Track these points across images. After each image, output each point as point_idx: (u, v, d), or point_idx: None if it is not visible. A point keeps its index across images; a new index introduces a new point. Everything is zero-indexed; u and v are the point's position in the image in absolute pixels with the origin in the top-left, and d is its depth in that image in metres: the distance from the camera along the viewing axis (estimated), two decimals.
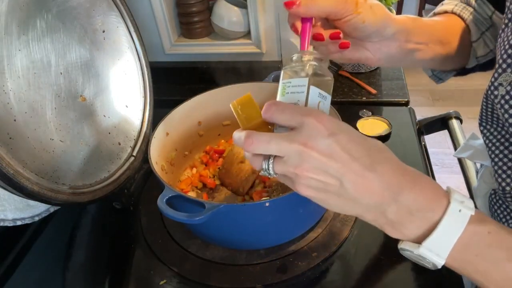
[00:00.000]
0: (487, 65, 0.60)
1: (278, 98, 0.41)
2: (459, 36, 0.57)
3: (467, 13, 0.58)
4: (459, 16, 0.58)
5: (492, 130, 0.52)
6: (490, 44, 0.58)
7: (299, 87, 0.40)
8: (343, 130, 0.36)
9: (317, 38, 0.47)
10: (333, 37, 0.47)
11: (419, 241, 0.37)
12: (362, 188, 0.36)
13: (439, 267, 0.37)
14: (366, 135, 0.39)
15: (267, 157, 0.38)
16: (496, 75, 0.46)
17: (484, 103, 0.51)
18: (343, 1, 0.45)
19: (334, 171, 0.36)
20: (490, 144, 0.52)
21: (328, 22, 0.49)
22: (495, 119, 0.51)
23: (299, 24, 0.46)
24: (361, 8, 0.46)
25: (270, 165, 0.38)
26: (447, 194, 0.38)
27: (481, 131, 0.54)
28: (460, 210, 0.36)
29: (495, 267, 0.37)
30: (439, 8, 0.61)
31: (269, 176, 0.39)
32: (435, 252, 0.36)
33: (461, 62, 0.60)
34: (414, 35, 0.53)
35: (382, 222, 0.38)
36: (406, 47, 0.53)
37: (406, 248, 0.38)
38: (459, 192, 0.38)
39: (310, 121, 0.35)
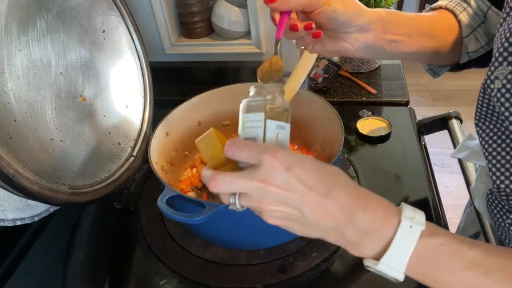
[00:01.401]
0: (482, 62, 0.61)
1: (240, 132, 0.44)
2: (448, 31, 0.59)
3: (460, 9, 0.59)
4: (451, 11, 0.59)
5: (485, 127, 0.53)
6: (481, 40, 0.59)
7: (256, 122, 0.43)
8: (298, 163, 0.39)
9: (292, 28, 0.51)
10: (306, 28, 0.51)
11: (378, 258, 0.39)
12: (320, 214, 0.39)
13: (401, 280, 0.39)
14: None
15: (233, 193, 0.41)
16: (492, 68, 0.46)
17: (480, 98, 0.51)
18: None
19: (293, 202, 0.39)
20: (483, 142, 0.53)
21: (306, 15, 0.53)
22: (489, 115, 0.52)
23: (278, 17, 0.51)
24: (332, 0, 0.50)
25: (237, 200, 0.41)
26: (399, 211, 0.40)
27: (477, 130, 0.54)
28: (411, 227, 0.38)
29: (452, 277, 0.38)
30: (435, 4, 0.63)
31: (237, 210, 0.42)
32: (392, 267, 0.39)
33: (454, 57, 0.61)
34: (392, 26, 0.55)
35: (343, 243, 0.41)
36: (384, 38, 0.55)
37: (368, 265, 0.40)
38: (410, 208, 0.40)
39: (267, 158, 0.38)
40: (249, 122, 0.43)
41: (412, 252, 0.38)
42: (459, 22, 0.58)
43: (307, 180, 0.38)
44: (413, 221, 0.38)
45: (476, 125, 0.54)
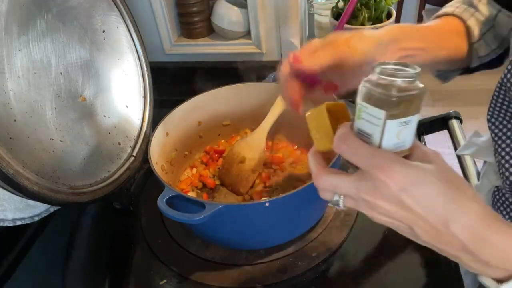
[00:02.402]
0: (492, 63, 0.61)
1: (355, 119, 0.37)
2: (458, 38, 0.58)
3: (468, 15, 0.58)
4: (459, 18, 0.58)
5: (497, 123, 0.53)
6: (491, 44, 0.58)
7: (374, 118, 0.35)
8: (417, 184, 0.34)
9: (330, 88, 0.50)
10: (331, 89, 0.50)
11: (497, 280, 0.36)
12: (433, 239, 0.35)
13: None
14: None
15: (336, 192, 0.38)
16: None
17: (496, 94, 0.51)
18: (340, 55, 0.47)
19: (404, 220, 0.35)
20: (496, 138, 0.53)
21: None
22: (503, 110, 0.52)
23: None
24: (354, 45, 0.47)
25: (341, 201, 0.38)
26: None
27: (489, 126, 0.54)
28: None
29: None
30: (441, 11, 0.62)
31: (338, 208, 0.39)
32: None
33: (465, 62, 0.60)
34: (404, 42, 0.51)
35: (458, 262, 0.37)
36: (399, 54, 0.52)
37: (485, 282, 0.37)
38: None
39: (379, 176, 0.34)
40: (366, 114, 0.35)
41: None
42: (467, 28, 0.57)
43: (425, 204, 0.33)
44: None
45: (489, 121, 0.54)
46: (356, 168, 0.37)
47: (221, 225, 0.59)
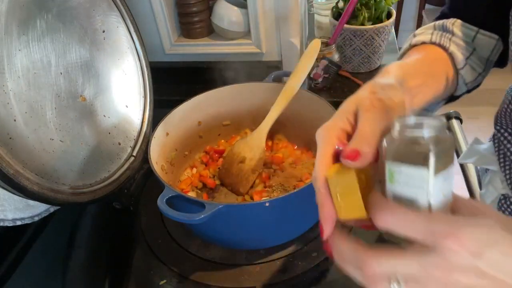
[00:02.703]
0: (471, 88, 0.59)
1: (387, 184, 0.32)
2: (446, 66, 0.55)
3: (447, 41, 0.55)
4: (439, 45, 0.55)
5: (506, 126, 0.52)
6: (477, 68, 0.56)
7: (414, 179, 0.30)
8: (490, 245, 0.29)
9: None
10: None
11: None
12: None
13: None
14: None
15: (393, 278, 0.31)
16: None
17: (504, 102, 0.50)
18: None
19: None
20: (508, 144, 0.52)
21: None
22: None
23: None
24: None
25: None
26: None
27: (497, 128, 0.53)
28: None
29: None
30: (415, 39, 0.57)
31: None
32: None
33: (451, 90, 0.57)
34: (408, 81, 0.46)
35: None
36: (409, 95, 0.44)
37: None
38: None
39: (446, 244, 0.28)
40: (402, 176, 0.30)
41: None
42: (451, 54, 0.54)
43: (504, 265, 0.29)
44: None
45: (496, 122, 0.53)
46: (400, 241, 0.31)
47: (221, 225, 0.59)
